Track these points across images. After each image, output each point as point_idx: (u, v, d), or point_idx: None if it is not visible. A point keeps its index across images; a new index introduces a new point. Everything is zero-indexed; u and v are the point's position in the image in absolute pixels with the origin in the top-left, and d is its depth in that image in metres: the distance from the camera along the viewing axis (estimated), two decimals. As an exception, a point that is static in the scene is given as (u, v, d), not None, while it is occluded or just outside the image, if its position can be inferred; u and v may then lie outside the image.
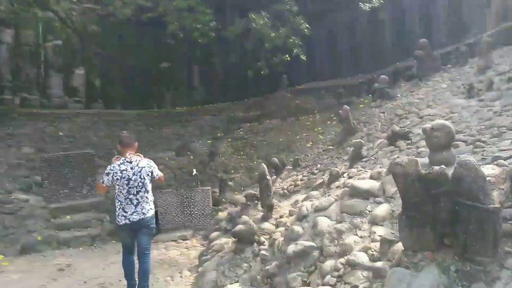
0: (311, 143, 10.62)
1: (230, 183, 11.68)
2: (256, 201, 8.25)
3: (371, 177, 5.34)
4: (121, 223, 5.06)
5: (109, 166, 5.18)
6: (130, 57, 17.59)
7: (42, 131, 13.36)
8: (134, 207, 5.01)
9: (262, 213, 7.19)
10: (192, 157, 13.54)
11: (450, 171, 2.70)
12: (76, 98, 16.30)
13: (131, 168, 5.05)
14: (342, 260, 4.30)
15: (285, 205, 6.84)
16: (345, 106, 8.09)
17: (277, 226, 5.99)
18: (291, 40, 12.23)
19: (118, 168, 5.06)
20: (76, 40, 15.83)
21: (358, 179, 5.59)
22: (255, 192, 8.34)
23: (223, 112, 17.79)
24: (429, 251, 2.61)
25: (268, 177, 6.45)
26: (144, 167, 5.18)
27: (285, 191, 7.92)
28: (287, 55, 12.95)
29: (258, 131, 14.01)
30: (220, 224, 9.23)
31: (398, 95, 8.09)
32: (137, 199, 5.04)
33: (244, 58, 19.98)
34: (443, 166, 2.61)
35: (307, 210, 5.53)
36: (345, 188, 5.44)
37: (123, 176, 5.00)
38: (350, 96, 12.81)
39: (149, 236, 5.37)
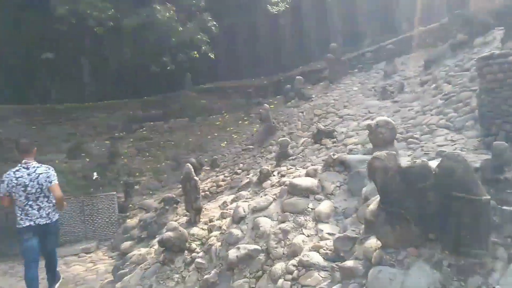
0: (225, 142, 10.35)
1: (136, 187, 10.73)
2: (174, 205, 7.68)
3: (308, 175, 5.30)
4: (24, 225, 4.87)
5: (4, 174, 4.89)
6: (5, 43, 15.02)
7: None
8: (37, 212, 4.91)
9: (186, 218, 6.68)
10: (88, 160, 12.12)
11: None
12: None
13: (28, 175, 4.89)
14: (294, 261, 4.13)
15: (212, 207, 6.45)
16: (265, 105, 8.05)
17: (210, 230, 5.56)
18: (199, 36, 11.76)
19: (14, 175, 4.87)
20: None
21: (293, 177, 5.51)
22: (172, 195, 7.76)
23: (118, 109, 16.38)
24: (412, 247, 2.58)
25: (196, 178, 5.98)
26: (42, 173, 4.98)
27: (207, 192, 7.52)
28: (195, 52, 12.44)
29: (164, 131, 13.21)
30: (131, 232, 8.35)
31: (313, 96, 8.34)
32: (37, 204, 4.92)
33: (142, 52, 18.82)
34: (424, 159, 2.59)
35: (244, 211, 5.24)
36: (282, 186, 5.30)
37: (18, 183, 4.84)
38: (257, 97, 12.90)
39: (56, 237, 5.44)
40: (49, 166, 5.22)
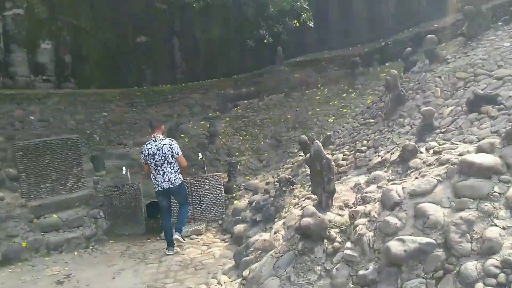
0: (333, 118, 9.45)
1: (237, 167, 10.35)
2: (291, 187, 7.04)
3: (482, 150, 4.21)
4: (155, 190, 6.68)
5: (142, 146, 6.83)
6: (104, 30, 15.55)
7: (9, 115, 11.35)
8: (162, 177, 6.49)
9: (309, 201, 6.00)
10: (187, 140, 12.06)
11: None
12: (44, 76, 14.18)
13: (155, 146, 6.48)
14: (493, 261, 3.18)
15: (342, 190, 5.63)
16: (393, 71, 6.92)
17: (352, 217, 4.77)
18: (298, 3, 10.86)
19: (146, 147, 6.60)
20: (41, 8, 13.60)
21: (459, 154, 4.46)
22: (289, 176, 7.12)
23: (210, 89, 16.27)
24: None
25: (328, 156, 5.20)
26: (165, 144, 6.51)
27: (326, 173, 6.74)
28: (295, 21, 11.57)
29: (259, 109, 12.67)
30: (242, 215, 7.95)
31: (449, 57, 7.02)
32: (162, 170, 6.46)
33: (227, 30, 18.45)
34: None
35: (399, 196, 4.34)
36: (449, 165, 4.28)
37: (149, 153, 6.50)
38: (359, 66, 11.67)
39: (183, 195, 7.06)
40: (172, 139, 6.84)
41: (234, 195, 9.21)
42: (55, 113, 12.33)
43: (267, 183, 8.67)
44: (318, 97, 11.60)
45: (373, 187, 5.31)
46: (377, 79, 10.31)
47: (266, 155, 10.59)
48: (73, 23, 14.01)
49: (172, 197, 7.07)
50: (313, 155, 5.51)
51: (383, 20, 14.65)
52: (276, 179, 8.07)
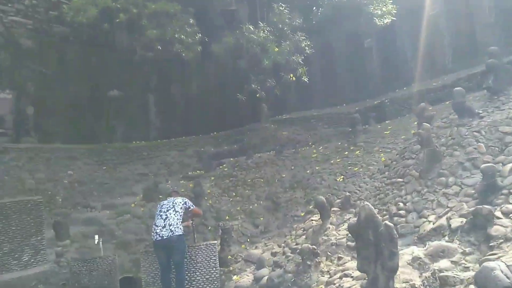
0: (342, 177, 8.50)
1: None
2: (316, 259, 5.78)
3: None
4: (154, 239, 5.91)
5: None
6: (75, 81, 14.30)
7: (-47, 172, 9.48)
8: (163, 221, 5.88)
9: (353, 279, 4.78)
10: (167, 201, 10.58)
11: None
12: (0, 129, 12.45)
13: (168, 201, 6.25)
14: None
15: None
16: (425, 124, 6.20)
17: (438, 305, 3.62)
18: (294, 57, 10.37)
19: (160, 203, 6.37)
20: (4, 55, 12.26)
21: None
22: (312, 246, 5.88)
23: (189, 146, 15.10)
24: None
25: (387, 222, 4.11)
26: (178, 198, 6.32)
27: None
28: (292, 75, 11.01)
29: (248, 167, 11.57)
30: (248, 295, 6.50)
31: (480, 112, 6.45)
32: (166, 214, 5.94)
33: (206, 86, 17.84)
34: None
35: (508, 278, 3.28)
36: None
37: (161, 205, 6.20)
38: (355, 124, 11.09)
39: (182, 253, 6.16)
40: (185, 197, 6.81)
41: (231, 268, 7.74)
42: (12, 171, 10.54)
43: (274, 254, 7.35)
44: (315, 155, 10.75)
45: (445, 262, 4.23)
46: (382, 136, 9.70)
47: (262, 218, 9.32)
48: (41, 71, 12.67)
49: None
50: (364, 221, 4.38)
51: (368, 80, 14.57)
52: (291, 249, 6.80)
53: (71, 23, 12.08)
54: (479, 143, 5.76)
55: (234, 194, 10.64)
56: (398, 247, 5.14)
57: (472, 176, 5.43)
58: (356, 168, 8.37)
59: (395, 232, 4.08)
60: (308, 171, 9.99)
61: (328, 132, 12.75)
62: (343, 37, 14.52)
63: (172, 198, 6.32)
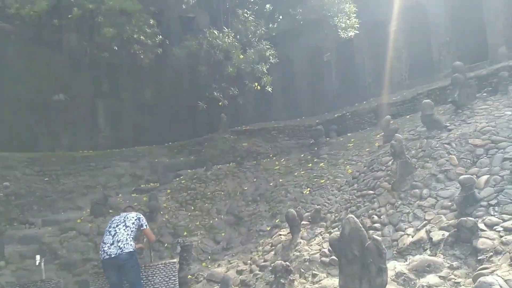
0: (308, 189, 8.23)
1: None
2: (290, 277, 5.39)
3: None
4: (102, 258, 5.33)
5: None
6: (15, 82, 12.97)
7: None
8: (111, 238, 5.30)
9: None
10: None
11: None
12: None
13: (119, 216, 5.70)
14: None
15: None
16: (397, 135, 6.11)
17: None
18: (258, 66, 10.06)
19: (112, 219, 5.82)
20: None
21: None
22: (286, 263, 5.47)
23: (141, 157, 14.18)
24: None
25: (375, 237, 3.84)
26: (131, 213, 5.75)
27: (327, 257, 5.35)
28: (256, 84, 10.66)
29: (207, 179, 11.01)
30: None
31: (448, 124, 6.49)
32: (114, 230, 5.37)
33: (160, 93, 17.11)
34: None
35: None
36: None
37: (112, 221, 5.64)
38: (318, 136, 10.98)
39: (135, 272, 5.48)
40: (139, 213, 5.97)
41: (191, 289, 7.12)
42: None
43: (240, 272, 6.85)
44: (278, 167, 10.45)
45: (433, 278, 4.01)
46: (345, 148, 9.63)
47: (223, 234, 8.80)
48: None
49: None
50: (348, 235, 4.08)
51: (326, 94, 14.68)
52: (259, 267, 6.35)
53: (16, 16, 10.84)
54: (450, 155, 5.75)
55: (192, 208, 10.02)
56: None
57: (447, 188, 5.37)
58: (323, 181, 8.15)
59: (383, 247, 3.80)
60: (271, 184, 9.66)
61: (289, 144, 12.56)
62: (303, 49, 14.55)
63: (125, 213, 5.76)
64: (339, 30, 10.84)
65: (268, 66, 10.47)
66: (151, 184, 12.44)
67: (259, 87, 10.79)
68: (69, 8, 10.44)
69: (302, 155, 10.55)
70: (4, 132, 12.54)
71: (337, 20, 10.69)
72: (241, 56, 9.64)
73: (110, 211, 10.07)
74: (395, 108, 10.63)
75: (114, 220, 5.63)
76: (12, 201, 10.23)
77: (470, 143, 5.76)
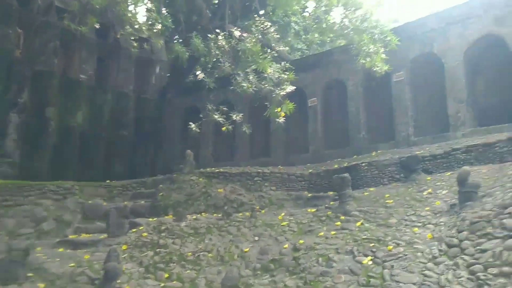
0: (369, 258, 5.73)
1: None
2: None
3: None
4: None
5: None
6: None
7: None
8: None
9: None
10: (42, 285, 6.03)
11: None
12: None
13: None
14: None
15: None
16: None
17: None
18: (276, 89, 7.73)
19: None
20: None
21: None
22: None
23: (69, 195, 10.29)
24: None
25: None
26: None
27: None
28: (279, 109, 8.16)
29: (182, 233, 7.86)
30: None
31: None
32: None
33: (99, 117, 13.68)
34: None
35: None
36: None
37: None
38: (339, 188, 8.82)
39: None
40: None
41: None
42: None
43: None
44: (285, 223, 7.81)
45: None
46: (383, 205, 7.42)
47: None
48: None
49: None
50: None
51: (310, 141, 12.82)
52: None
53: None
54: None
55: (166, 275, 6.71)
56: None
57: None
58: (391, 247, 5.77)
59: None
60: (286, 245, 6.95)
61: (277, 195, 10.11)
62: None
63: None
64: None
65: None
66: (83, 234, 8.74)
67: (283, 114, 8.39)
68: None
69: (315, 210, 8.11)
70: None
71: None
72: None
73: (30, 274, 6.24)
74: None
75: None
76: None
77: None
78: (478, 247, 4.99)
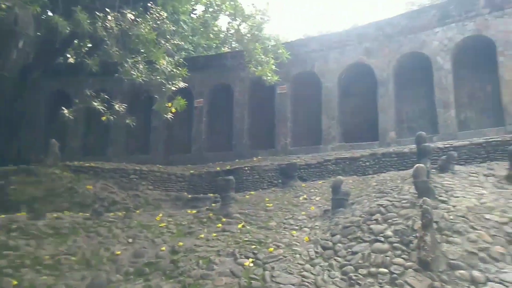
0: (250, 260, 5.68)
1: None
2: None
3: None
4: None
5: None
6: None
7: None
8: None
9: None
10: None
11: None
12: None
13: None
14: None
15: None
16: (426, 199, 4.82)
17: None
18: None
19: None
20: None
21: None
22: None
23: None
24: None
25: None
26: None
27: None
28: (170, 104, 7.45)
29: (41, 233, 6.75)
30: None
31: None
32: None
33: None
34: None
35: None
36: None
37: None
38: (222, 190, 8.74)
39: None
40: None
41: None
42: None
43: None
44: (164, 224, 7.35)
45: None
46: (264, 209, 7.54)
47: None
48: None
49: None
50: None
51: (192, 143, 12.51)
52: None
53: None
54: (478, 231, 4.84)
55: (14, 282, 5.61)
56: None
57: (503, 270, 4.31)
58: (271, 249, 5.82)
59: None
60: (163, 248, 6.54)
61: (155, 195, 9.55)
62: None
63: None
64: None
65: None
66: None
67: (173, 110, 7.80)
68: None
69: (195, 212, 7.85)
70: None
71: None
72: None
73: None
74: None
75: None
76: None
77: (488, 218, 5.05)
78: (349, 250, 5.45)
